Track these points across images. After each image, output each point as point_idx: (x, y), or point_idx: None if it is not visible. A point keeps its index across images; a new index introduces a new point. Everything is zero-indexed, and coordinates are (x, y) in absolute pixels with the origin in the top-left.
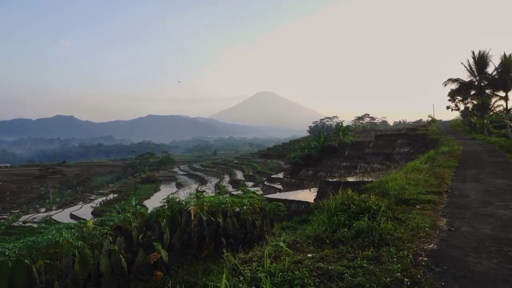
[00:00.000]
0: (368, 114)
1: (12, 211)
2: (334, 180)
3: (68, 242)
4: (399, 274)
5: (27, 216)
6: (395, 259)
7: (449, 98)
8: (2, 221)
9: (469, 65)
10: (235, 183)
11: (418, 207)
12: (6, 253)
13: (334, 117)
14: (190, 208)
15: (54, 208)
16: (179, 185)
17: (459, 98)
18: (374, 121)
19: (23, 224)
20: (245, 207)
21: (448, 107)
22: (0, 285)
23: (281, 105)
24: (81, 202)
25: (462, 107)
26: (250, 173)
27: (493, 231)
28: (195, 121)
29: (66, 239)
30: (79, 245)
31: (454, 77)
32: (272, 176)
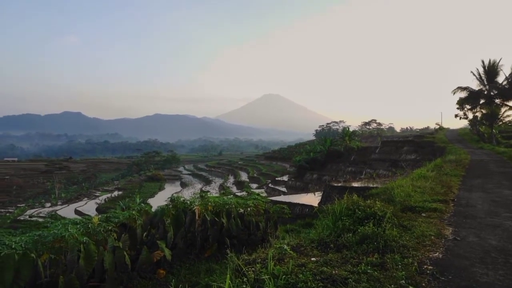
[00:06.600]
0: (375, 120)
1: (18, 205)
2: (339, 184)
3: (74, 238)
4: (403, 281)
5: (32, 210)
6: (399, 266)
7: (457, 106)
8: (8, 214)
9: (479, 74)
10: (239, 184)
11: (424, 215)
12: (13, 246)
13: (340, 121)
14: (195, 207)
15: (59, 203)
16: (184, 185)
17: (468, 106)
18: (381, 127)
19: (29, 218)
20: (249, 209)
21: (456, 116)
22: (6, 278)
23: (287, 108)
24: (86, 198)
25: (470, 116)
26: (255, 175)
27: (500, 242)
28: (202, 121)
29: (71, 235)
30: (85, 240)
31: (464, 85)
32: (276, 178)
